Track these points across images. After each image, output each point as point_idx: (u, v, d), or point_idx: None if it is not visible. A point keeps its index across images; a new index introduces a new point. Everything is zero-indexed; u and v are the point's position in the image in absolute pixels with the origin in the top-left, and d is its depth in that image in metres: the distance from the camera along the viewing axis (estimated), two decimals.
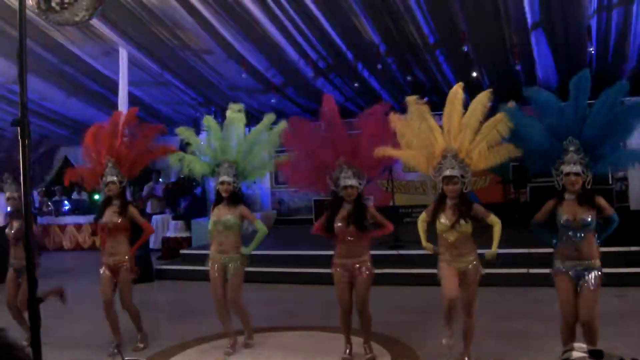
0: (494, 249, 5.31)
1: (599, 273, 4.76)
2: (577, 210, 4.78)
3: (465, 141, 5.22)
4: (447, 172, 5.17)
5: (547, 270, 8.63)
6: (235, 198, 6.18)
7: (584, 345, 2.82)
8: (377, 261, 9.93)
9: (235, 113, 6.40)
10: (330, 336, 6.35)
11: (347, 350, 5.78)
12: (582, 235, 4.79)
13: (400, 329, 6.75)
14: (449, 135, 5.23)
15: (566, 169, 4.77)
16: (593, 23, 10.46)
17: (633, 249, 8.85)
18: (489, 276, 8.39)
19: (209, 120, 6.51)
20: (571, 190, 4.79)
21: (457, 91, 5.29)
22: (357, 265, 5.60)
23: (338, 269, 5.66)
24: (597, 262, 4.80)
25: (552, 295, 7.92)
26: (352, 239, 5.57)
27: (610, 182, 13.73)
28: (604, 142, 4.77)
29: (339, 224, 5.56)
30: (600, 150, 4.77)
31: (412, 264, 9.36)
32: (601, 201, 4.81)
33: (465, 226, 5.17)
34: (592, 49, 10.97)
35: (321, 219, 5.84)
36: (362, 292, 5.59)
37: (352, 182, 5.52)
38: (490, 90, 5.29)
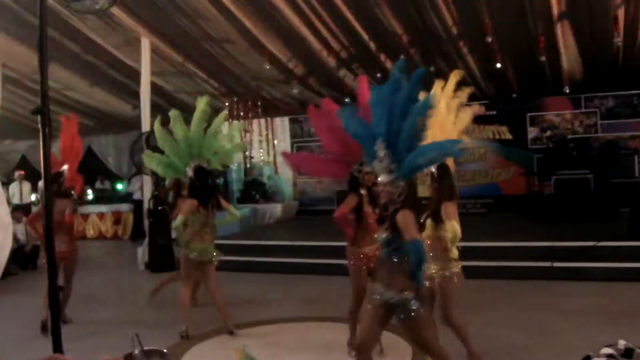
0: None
1: (411, 308, 3.89)
2: (380, 226, 4.24)
3: None
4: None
5: (572, 264, 8.57)
6: None
7: (623, 342, 2.71)
8: None
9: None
10: None
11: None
12: (385, 256, 4.14)
13: None
14: None
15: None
16: (620, 13, 10.28)
17: None
18: (513, 269, 8.32)
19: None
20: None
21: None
22: (377, 252, 5.52)
23: (356, 262, 5.48)
24: (404, 295, 3.90)
25: (576, 289, 7.88)
26: (374, 223, 5.48)
27: (637, 174, 13.55)
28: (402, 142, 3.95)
29: (367, 209, 5.44)
30: (401, 153, 3.95)
31: None
32: (400, 219, 3.87)
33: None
34: (618, 40, 10.77)
35: (345, 205, 5.47)
36: None
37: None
38: None
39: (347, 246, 5.59)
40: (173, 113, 6.98)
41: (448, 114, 5.17)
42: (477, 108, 5.20)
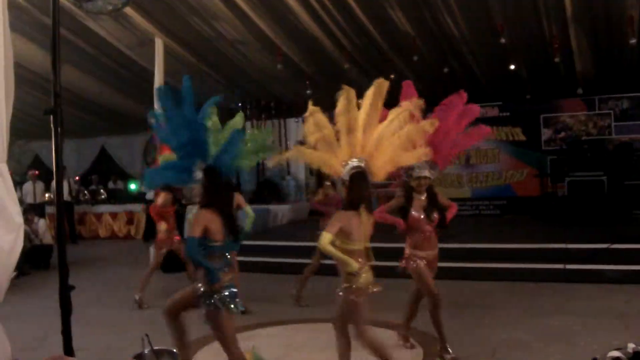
0: None
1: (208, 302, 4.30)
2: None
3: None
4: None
5: (585, 267, 8.50)
6: None
7: (632, 345, 2.67)
8: None
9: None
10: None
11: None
12: None
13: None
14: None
15: None
16: (635, 14, 10.21)
17: None
18: (526, 271, 8.28)
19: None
20: None
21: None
22: (436, 258, 5.57)
23: (419, 262, 5.43)
24: (204, 289, 4.27)
25: (589, 292, 7.83)
26: (431, 229, 5.47)
27: None
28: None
29: (418, 214, 5.42)
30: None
31: (449, 258, 9.21)
32: (194, 217, 4.32)
33: None
34: (634, 41, 10.69)
35: (387, 205, 5.58)
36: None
37: (426, 173, 5.33)
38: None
39: (407, 249, 5.57)
40: None
41: (375, 121, 4.61)
42: (428, 122, 4.60)
